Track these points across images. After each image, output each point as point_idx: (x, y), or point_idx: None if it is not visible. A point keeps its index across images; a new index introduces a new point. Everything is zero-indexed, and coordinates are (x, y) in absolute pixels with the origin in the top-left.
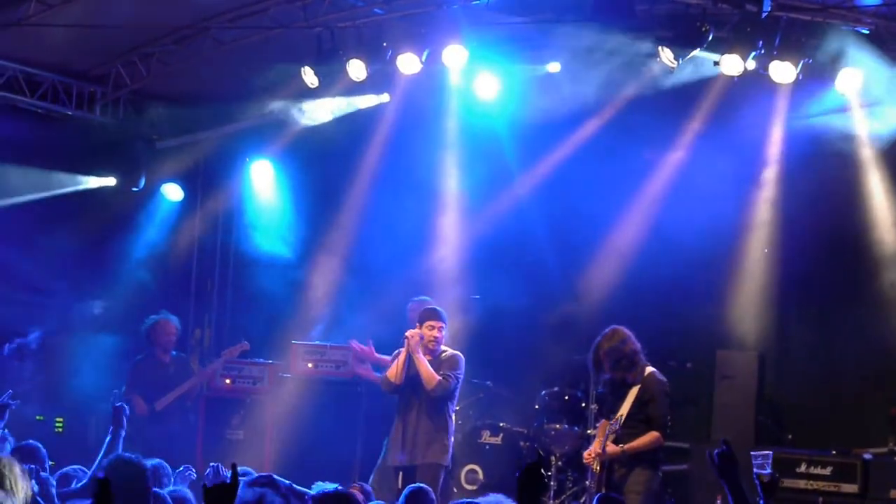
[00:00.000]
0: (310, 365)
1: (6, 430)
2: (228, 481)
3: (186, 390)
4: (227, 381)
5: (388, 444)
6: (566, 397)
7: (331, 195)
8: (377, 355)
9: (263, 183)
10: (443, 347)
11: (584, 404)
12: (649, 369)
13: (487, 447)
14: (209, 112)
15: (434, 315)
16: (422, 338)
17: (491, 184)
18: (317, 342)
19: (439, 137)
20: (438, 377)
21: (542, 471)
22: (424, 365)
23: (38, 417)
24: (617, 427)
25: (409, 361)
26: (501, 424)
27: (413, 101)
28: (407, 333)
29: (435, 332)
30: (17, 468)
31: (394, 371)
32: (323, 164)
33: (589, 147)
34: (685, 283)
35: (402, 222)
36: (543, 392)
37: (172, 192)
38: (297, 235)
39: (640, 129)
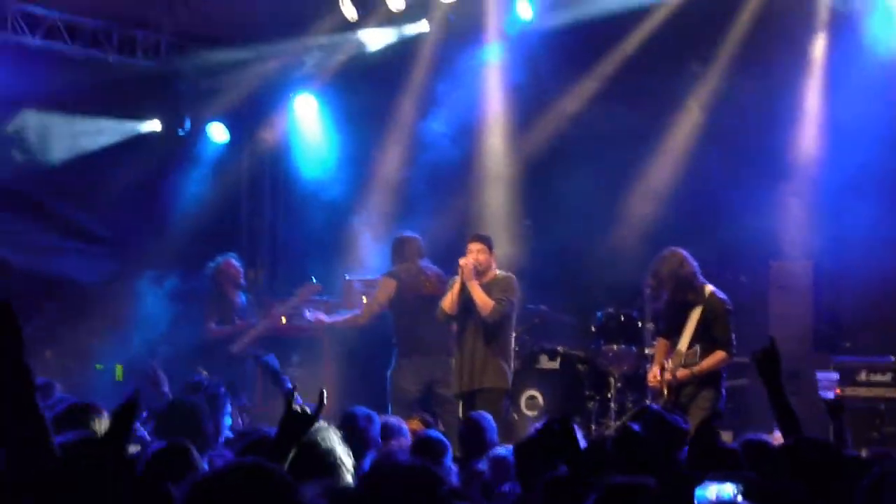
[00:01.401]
0: (364, 299)
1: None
2: (311, 412)
3: (261, 332)
4: (283, 319)
5: (452, 373)
6: (622, 317)
7: (376, 127)
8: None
9: (308, 118)
10: (495, 271)
11: (640, 323)
12: (709, 288)
13: (546, 372)
14: (250, 50)
15: (473, 238)
16: (475, 266)
17: (535, 105)
18: (369, 277)
19: (481, 61)
20: (493, 302)
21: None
22: (479, 292)
23: (97, 366)
24: (695, 360)
25: (463, 289)
26: (559, 348)
27: (453, 28)
28: (461, 262)
29: (474, 255)
30: (334, 435)
31: (448, 300)
32: (367, 96)
33: (632, 62)
34: (735, 196)
35: (449, 150)
36: (599, 313)
37: (218, 133)
38: (344, 169)
39: (683, 41)
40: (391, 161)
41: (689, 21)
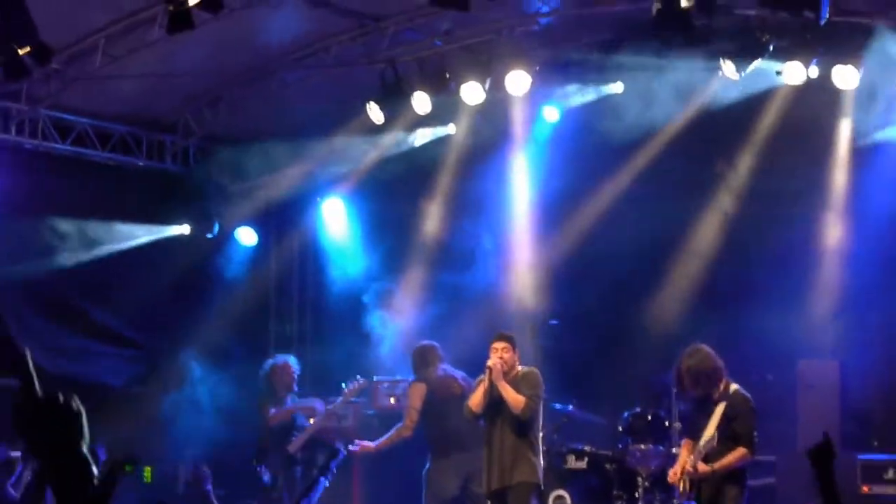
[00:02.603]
0: (392, 400)
1: None
2: None
3: (314, 432)
4: (312, 420)
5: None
6: (649, 417)
7: (403, 229)
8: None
9: (336, 221)
10: (518, 367)
11: (667, 423)
12: (734, 386)
13: (574, 472)
14: (278, 153)
15: (497, 337)
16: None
17: (561, 206)
18: (397, 378)
19: (507, 164)
20: (524, 399)
21: None
22: (509, 391)
23: (126, 468)
24: (713, 444)
25: (492, 388)
26: (586, 448)
27: (479, 130)
28: (489, 363)
29: (499, 353)
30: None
31: (475, 400)
32: (394, 199)
33: (658, 163)
34: (761, 295)
35: (476, 251)
36: (626, 413)
37: (246, 237)
38: (372, 271)
39: (708, 143)
40: (417, 262)
41: (715, 122)
